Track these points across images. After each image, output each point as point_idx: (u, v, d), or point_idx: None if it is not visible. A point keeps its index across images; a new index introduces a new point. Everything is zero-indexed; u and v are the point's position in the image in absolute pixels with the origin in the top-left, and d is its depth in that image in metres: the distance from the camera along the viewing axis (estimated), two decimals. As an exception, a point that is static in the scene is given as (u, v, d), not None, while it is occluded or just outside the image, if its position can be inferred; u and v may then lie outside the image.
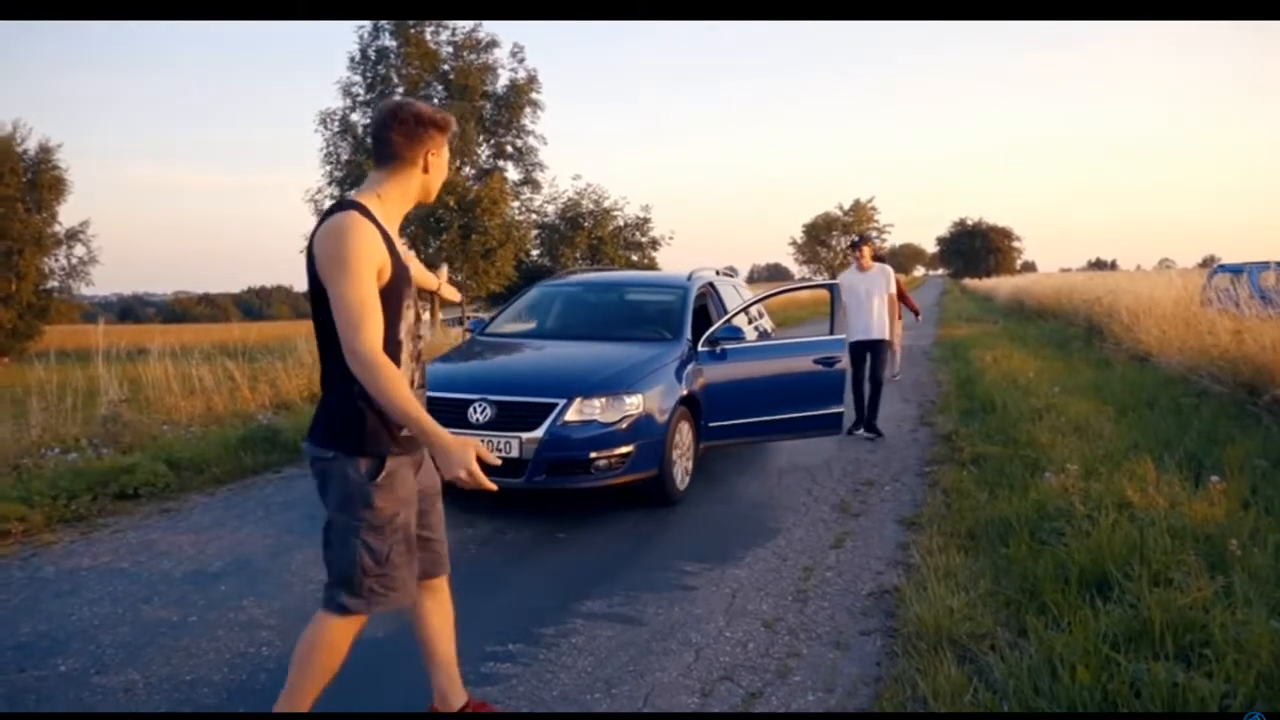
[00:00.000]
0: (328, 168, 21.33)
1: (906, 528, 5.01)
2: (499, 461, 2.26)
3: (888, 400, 9.66)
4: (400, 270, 2.26)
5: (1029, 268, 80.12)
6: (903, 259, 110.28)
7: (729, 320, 6.34)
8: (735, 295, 7.60)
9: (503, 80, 22.31)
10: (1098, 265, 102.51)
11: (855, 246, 8.48)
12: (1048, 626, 3.28)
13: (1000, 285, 46.72)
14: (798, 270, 78.72)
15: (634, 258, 26.99)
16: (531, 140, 22.82)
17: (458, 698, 2.63)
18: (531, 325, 6.98)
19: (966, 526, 4.71)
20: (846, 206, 70.73)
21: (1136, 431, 6.51)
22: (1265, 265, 18.41)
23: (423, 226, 17.14)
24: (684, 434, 5.66)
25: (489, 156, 22.91)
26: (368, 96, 21.91)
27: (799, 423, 6.30)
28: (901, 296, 13.42)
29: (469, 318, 24.04)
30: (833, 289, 7.23)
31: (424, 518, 2.47)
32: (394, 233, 2.30)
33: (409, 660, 2.87)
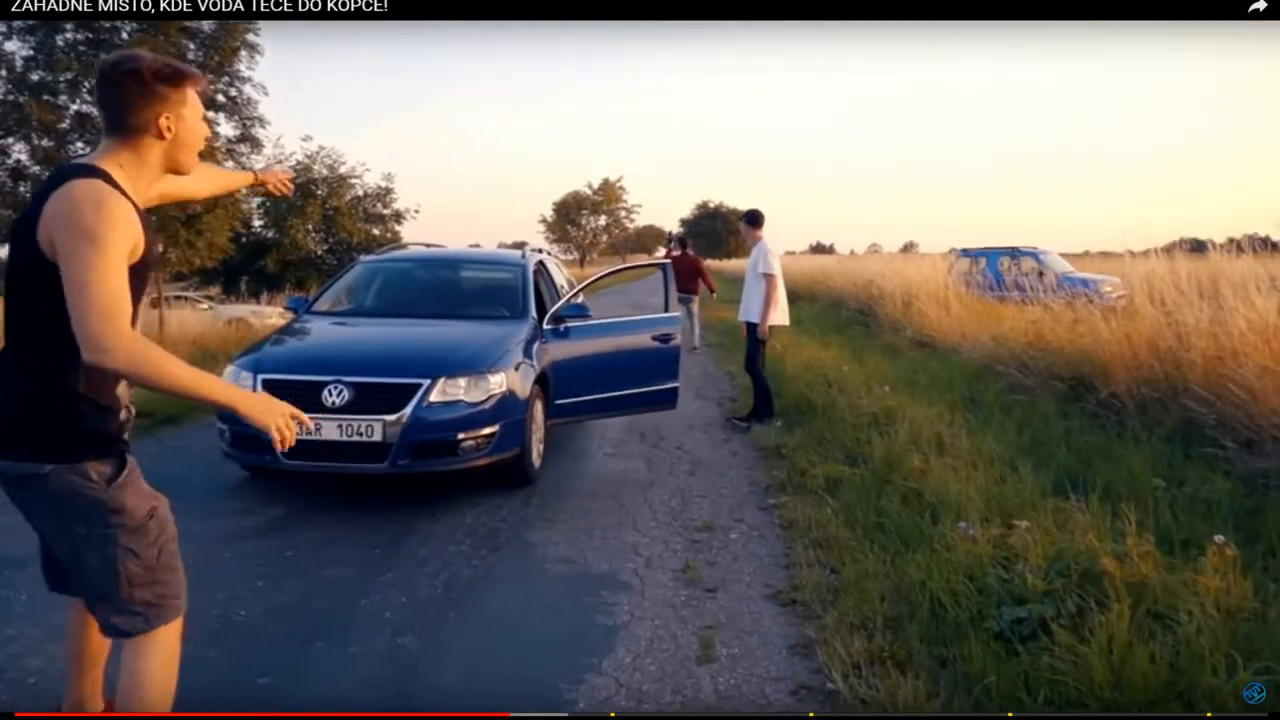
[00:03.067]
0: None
1: (787, 610, 3.56)
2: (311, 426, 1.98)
3: (680, 399, 8.38)
4: (151, 250, 1.95)
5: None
6: (646, 240, 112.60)
7: (573, 298, 6.32)
8: (559, 273, 7.66)
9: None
10: (818, 249, 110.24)
11: (748, 222, 7.69)
12: None
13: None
14: (547, 248, 77.56)
15: (375, 231, 24.21)
16: (249, 90, 19.38)
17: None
18: (363, 303, 6.60)
19: (878, 611, 3.33)
20: (596, 185, 70.23)
21: (996, 444, 5.53)
22: (1005, 251, 19.47)
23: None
24: (538, 412, 5.58)
25: (196, 106, 19.21)
26: (29, 23, 17.56)
27: (639, 398, 6.19)
28: (701, 274, 12.80)
29: (180, 297, 20.32)
30: (664, 268, 7.08)
31: None
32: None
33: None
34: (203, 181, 2.59)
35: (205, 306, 19.51)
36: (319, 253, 23.34)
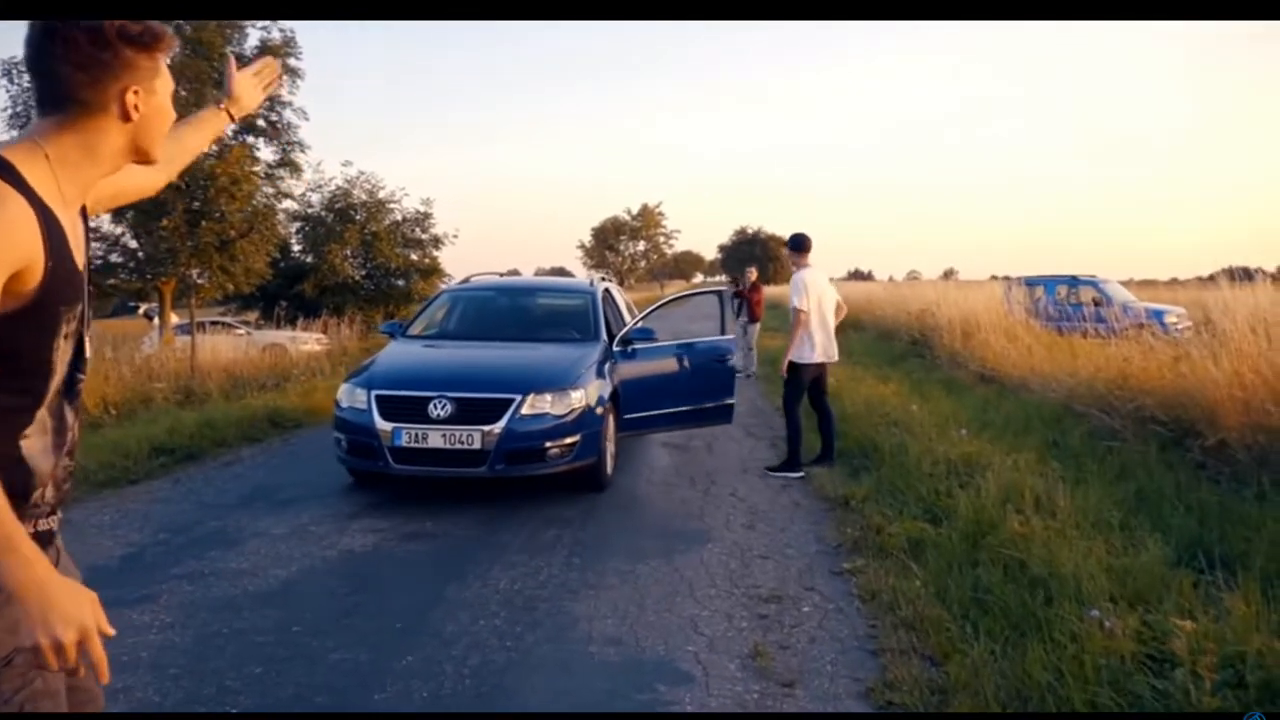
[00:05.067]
0: (15, 132, 16.82)
1: (884, 713, 2.96)
2: (113, 632, 1.28)
3: (730, 438, 7.88)
4: (62, 275, 1.34)
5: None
6: (684, 265, 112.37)
7: (639, 323, 6.84)
8: (621, 300, 8.29)
9: (252, 40, 18.63)
10: (857, 275, 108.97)
11: (790, 247, 7.06)
12: None
13: (785, 292, 47.26)
14: (583, 273, 77.33)
15: (414, 256, 23.96)
16: (289, 114, 19.29)
17: None
18: (449, 328, 7.22)
19: (1000, 725, 2.72)
20: (634, 211, 70.05)
21: (1101, 502, 4.85)
22: (1064, 279, 18.65)
23: (136, 208, 13.48)
24: (610, 425, 6.10)
25: (234, 132, 19.16)
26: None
27: (699, 414, 6.77)
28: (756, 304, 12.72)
29: (216, 322, 20.15)
30: (720, 294, 7.35)
31: None
32: (69, 212, 1.39)
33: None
34: (173, 160, 1.82)
35: (242, 332, 19.29)
36: (356, 278, 23.14)
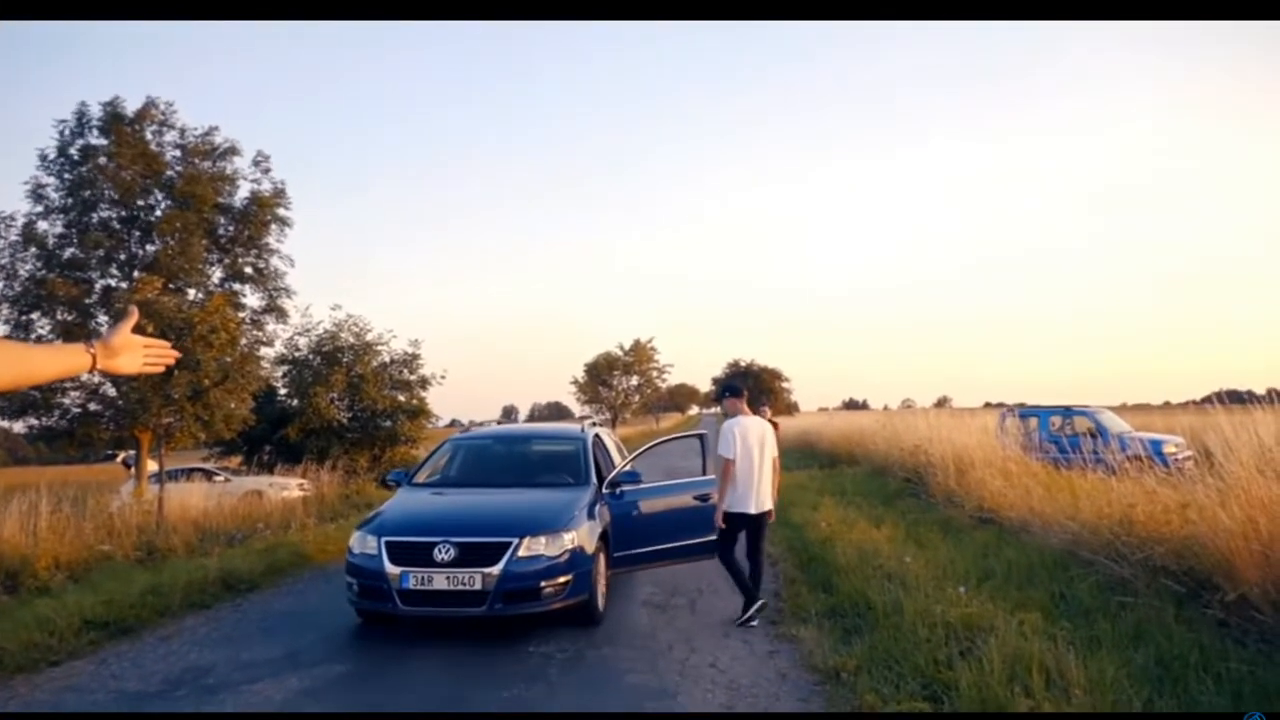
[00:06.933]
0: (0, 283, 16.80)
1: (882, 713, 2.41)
2: None
3: (714, 592, 7.45)
4: None
5: (792, 408, 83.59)
6: (679, 398, 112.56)
7: (624, 467, 7.34)
8: (610, 442, 8.73)
9: (243, 192, 18.99)
10: (851, 405, 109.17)
11: (736, 394, 7.03)
12: None
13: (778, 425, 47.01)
14: (578, 409, 77.08)
15: (401, 398, 23.66)
16: (276, 261, 19.44)
17: None
18: (451, 475, 7.66)
19: None
20: (627, 346, 70.44)
21: (1118, 674, 4.34)
22: (1057, 410, 18.35)
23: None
24: (601, 563, 6.46)
25: (222, 279, 19.29)
26: (64, 202, 17.74)
27: (683, 549, 7.04)
28: None
29: (194, 470, 19.63)
30: (702, 438, 7.65)
31: None
32: None
33: None
34: (8, 367, 1.54)
35: (221, 479, 18.79)
36: (342, 420, 22.78)
